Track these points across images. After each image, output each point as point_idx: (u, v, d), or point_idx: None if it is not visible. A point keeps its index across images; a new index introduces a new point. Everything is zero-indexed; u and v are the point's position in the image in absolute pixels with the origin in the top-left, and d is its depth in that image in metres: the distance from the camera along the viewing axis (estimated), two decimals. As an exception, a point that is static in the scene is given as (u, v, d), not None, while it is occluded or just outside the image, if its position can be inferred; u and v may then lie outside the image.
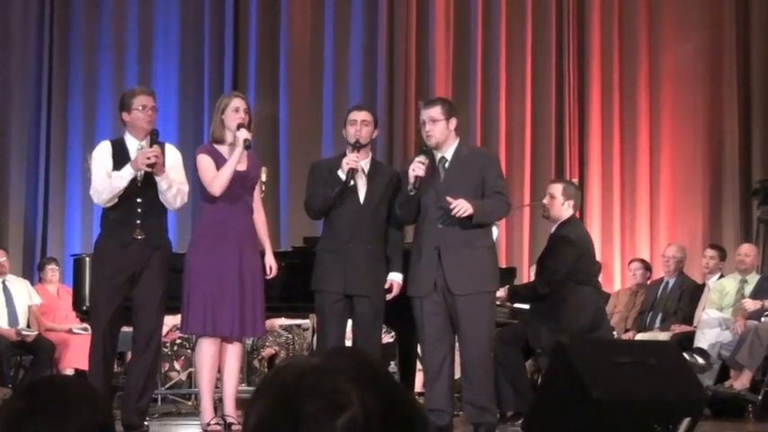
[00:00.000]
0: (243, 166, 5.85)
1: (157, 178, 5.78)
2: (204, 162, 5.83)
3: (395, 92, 11.08)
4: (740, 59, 10.91)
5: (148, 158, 5.69)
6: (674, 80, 11.05)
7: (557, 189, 6.70)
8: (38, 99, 10.97)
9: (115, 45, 11.13)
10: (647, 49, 11.11)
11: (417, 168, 5.66)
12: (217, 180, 5.76)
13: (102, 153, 5.91)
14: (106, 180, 5.80)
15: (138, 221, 5.80)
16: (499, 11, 11.14)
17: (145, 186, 5.83)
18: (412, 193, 5.70)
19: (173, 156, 6.00)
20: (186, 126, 11.01)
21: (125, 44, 11.15)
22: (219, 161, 5.81)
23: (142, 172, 5.80)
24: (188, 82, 11.12)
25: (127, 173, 5.76)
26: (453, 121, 5.84)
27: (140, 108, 5.87)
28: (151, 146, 5.78)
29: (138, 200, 5.82)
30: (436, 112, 5.80)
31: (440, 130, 5.77)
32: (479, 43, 11.13)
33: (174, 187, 5.82)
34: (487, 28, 11.17)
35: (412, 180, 5.66)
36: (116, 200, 5.83)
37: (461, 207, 5.58)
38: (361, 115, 6.03)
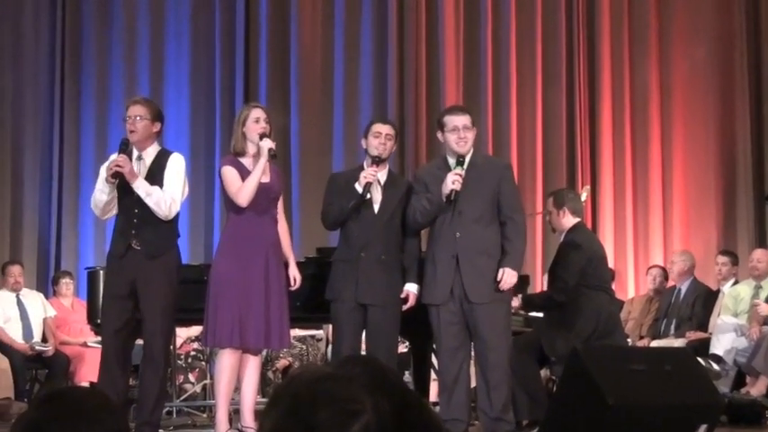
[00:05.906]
0: (267, 178, 5.84)
1: (133, 186, 5.79)
2: (229, 174, 5.84)
3: (405, 103, 11.08)
4: (751, 66, 10.88)
5: (111, 169, 5.73)
6: (685, 87, 11.02)
7: (549, 203, 6.87)
8: (50, 110, 11.00)
9: (127, 57, 11.16)
10: (657, 57, 11.08)
11: (456, 182, 5.69)
12: (243, 191, 5.76)
13: (104, 166, 5.95)
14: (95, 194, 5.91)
15: (134, 231, 5.81)
16: (509, 22, 11.14)
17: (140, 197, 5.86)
18: (446, 204, 5.73)
19: (171, 162, 5.95)
20: (198, 137, 11.03)
21: (136, 56, 11.17)
22: (243, 173, 5.81)
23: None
24: (199, 93, 11.14)
25: (101, 185, 5.83)
26: (475, 131, 5.94)
27: (126, 119, 5.92)
28: (119, 154, 5.79)
29: (135, 210, 5.83)
30: (469, 120, 5.89)
31: (472, 138, 5.85)
32: (489, 54, 11.13)
33: (154, 195, 5.78)
34: (497, 39, 11.17)
35: (447, 192, 5.69)
36: (113, 212, 5.90)
37: (507, 282, 5.71)
38: (386, 128, 6.07)
